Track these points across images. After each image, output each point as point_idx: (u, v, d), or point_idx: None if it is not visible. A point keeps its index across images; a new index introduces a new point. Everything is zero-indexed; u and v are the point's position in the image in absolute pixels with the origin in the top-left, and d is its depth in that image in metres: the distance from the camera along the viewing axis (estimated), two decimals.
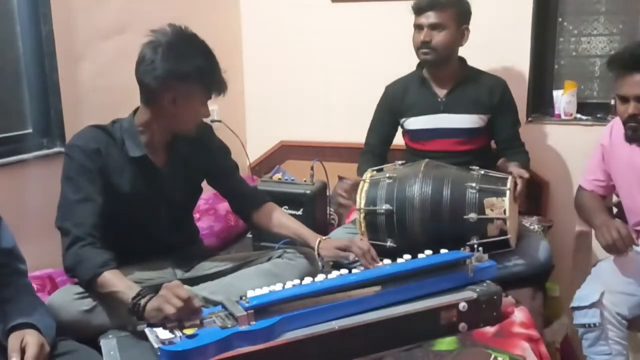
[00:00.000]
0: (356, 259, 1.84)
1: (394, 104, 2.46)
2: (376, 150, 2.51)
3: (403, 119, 2.44)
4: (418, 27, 2.32)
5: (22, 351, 1.32)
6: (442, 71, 2.37)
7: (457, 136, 2.35)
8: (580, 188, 2.18)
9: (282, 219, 2.01)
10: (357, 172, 2.42)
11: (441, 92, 2.38)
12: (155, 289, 1.53)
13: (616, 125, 2.04)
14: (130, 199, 1.79)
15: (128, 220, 1.80)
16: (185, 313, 1.45)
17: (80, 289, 1.65)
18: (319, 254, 1.89)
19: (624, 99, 1.85)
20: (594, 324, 1.83)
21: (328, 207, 2.57)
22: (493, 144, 2.50)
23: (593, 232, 2.02)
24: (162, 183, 1.85)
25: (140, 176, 1.80)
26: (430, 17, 2.27)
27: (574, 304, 1.88)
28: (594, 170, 2.13)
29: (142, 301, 1.50)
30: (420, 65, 2.44)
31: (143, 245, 1.83)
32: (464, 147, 2.36)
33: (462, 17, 2.31)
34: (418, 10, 2.31)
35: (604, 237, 1.83)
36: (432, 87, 2.39)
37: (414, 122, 2.41)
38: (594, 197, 2.10)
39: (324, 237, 1.92)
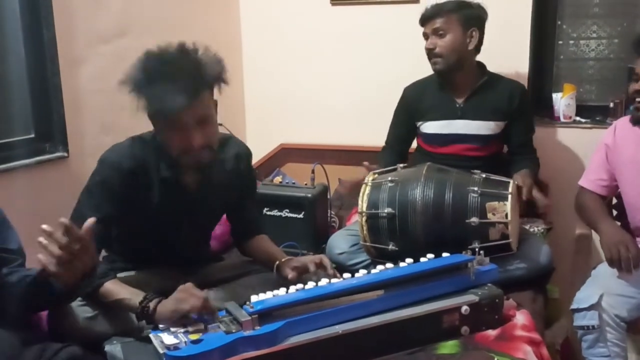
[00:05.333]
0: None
1: (411, 107, 2.48)
2: (395, 147, 2.54)
3: (419, 122, 2.46)
4: (425, 36, 2.35)
5: None
6: (457, 78, 2.37)
7: (472, 142, 2.37)
8: (581, 189, 2.17)
9: (262, 246, 1.94)
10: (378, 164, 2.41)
11: (459, 98, 2.39)
12: (161, 293, 1.54)
13: (619, 124, 2.09)
14: (157, 216, 1.74)
15: (149, 234, 1.77)
16: (203, 310, 1.47)
17: None
18: (279, 272, 1.80)
19: (637, 77, 1.91)
20: (593, 326, 1.84)
21: (329, 210, 2.58)
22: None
23: (594, 234, 2.03)
24: (190, 204, 1.78)
25: (170, 196, 1.73)
26: (433, 24, 2.30)
27: (573, 306, 1.89)
28: (596, 170, 2.13)
29: (151, 304, 1.51)
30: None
31: (157, 256, 1.82)
32: (476, 153, 2.38)
33: (467, 20, 2.31)
34: (423, 21, 2.34)
35: (610, 252, 1.84)
36: (451, 93, 2.40)
37: (431, 127, 2.43)
38: (596, 199, 2.10)
39: (288, 257, 1.82)
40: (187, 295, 1.48)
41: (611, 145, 2.06)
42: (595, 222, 2.01)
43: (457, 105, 2.39)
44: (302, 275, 1.76)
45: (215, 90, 1.66)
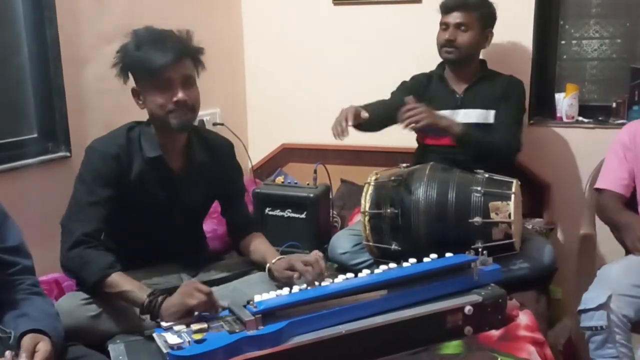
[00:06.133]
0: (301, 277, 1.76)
1: (417, 91, 2.44)
2: (372, 104, 2.40)
3: None
4: (444, 25, 2.36)
5: (32, 354, 1.32)
6: (462, 70, 2.41)
7: None
8: (600, 192, 2.14)
9: (254, 246, 1.96)
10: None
11: (459, 89, 2.41)
12: (166, 291, 1.55)
13: (634, 124, 2.12)
14: (146, 202, 1.80)
15: (140, 224, 1.81)
16: (208, 306, 1.50)
17: (87, 295, 1.67)
18: (271, 274, 1.84)
19: None
20: (601, 327, 1.82)
21: (331, 210, 2.58)
22: None
23: (597, 235, 2.03)
24: (177, 188, 1.85)
25: (156, 179, 1.80)
26: (456, 17, 2.33)
27: (581, 306, 1.87)
28: (615, 169, 2.10)
29: (160, 298, 1.53)
30: (440, 65, 2.47)
31: (152, 250, 1.84)
32: None
33: (486, 20, 2.36)
34: (445, 10, 2.36)
35: (634, 244, 1.82)
36: (451, 84, 2.43)
37: None
38: (617, 198, 2.08)
39: (278, 257, 1.85)
40: (192, 290, 1.52)
41: (629, 142, 2.05)
42: (617, 218, 1.98)
43: (457, 96, 2.41)
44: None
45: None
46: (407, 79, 2.54)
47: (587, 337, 1.88)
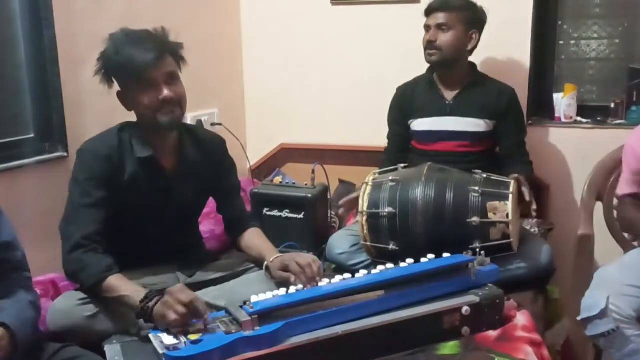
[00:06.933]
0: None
1: (403, 105, 2.48)
2: (392, 156, 2.50)
3: (410, 120, 2.46)
4: (426, 27, 2.37)
5: None
6: (450, 73, 2.40)
7: (463, 139, 2.37)
8: (621, 200, 2.09)
9: (252, 241, 1.96)
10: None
11: (449, 95, 2.40)
12: (161, 292, 1.54)
13: None
14: (139, 201, 1.80)
15: (135, 224, 1.81)
16: (188, 318, 1.47)
17: (83, 295, 1.67)
18: (269, 272, 1.83)
19: None
20: (613, 330, 1.78)
21: (329, 210, 2.58)
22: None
23: (596, 235, 2.01)
24: (170, 186, 1.85)
25: (148, 178, 1.80)
26: (438, 18, 2.33)
27: (582, 315, 1.83)
28: (625, 172, 2.07)
29: (150, 304, 1.52)
30: (430, 69, 2.47)
31: (147, 250, 1.84)
32: (468, 149, 2.37)
33: (471, 21, 2.35)
34: (428, 12, 2.37)
35: None
36: (440, 90, 2.42)
37: (421, 124, 2.43)
38: (633, 203, 2.03)
39: (276, 256, 1.84)
40: (172, 302, 1.48)
41: (637, 145, 2.04)
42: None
43: (447, 103, 2.40)
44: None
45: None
46: (405, 78, 2.54)
47: (602, 345, 1.84)
